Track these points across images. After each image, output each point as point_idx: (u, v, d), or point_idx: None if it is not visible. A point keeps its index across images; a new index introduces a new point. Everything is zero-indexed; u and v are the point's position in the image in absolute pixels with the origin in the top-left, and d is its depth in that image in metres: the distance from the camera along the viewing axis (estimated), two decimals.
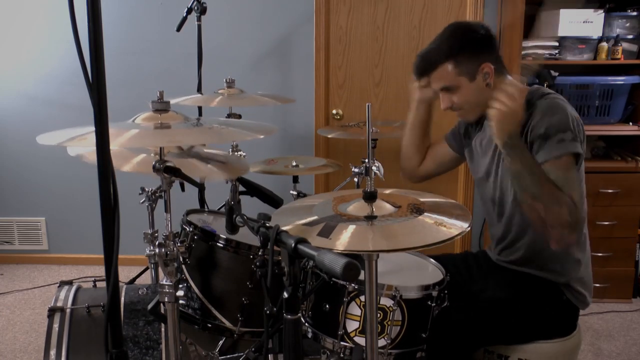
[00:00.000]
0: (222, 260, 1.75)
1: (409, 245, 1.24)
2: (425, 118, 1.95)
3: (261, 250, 1.65)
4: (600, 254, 3.00)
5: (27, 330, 2.83)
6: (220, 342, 1.97)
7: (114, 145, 1.15)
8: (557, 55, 3.05)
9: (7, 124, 3.54)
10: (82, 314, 1.86)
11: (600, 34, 3.00)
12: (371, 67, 3.31)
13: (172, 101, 1.55)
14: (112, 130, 1.05)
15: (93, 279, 2.19)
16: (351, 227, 1.26)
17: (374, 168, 1.38)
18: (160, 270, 1.48)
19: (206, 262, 1.76)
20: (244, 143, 2.44)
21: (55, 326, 1.82)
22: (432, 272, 1.71)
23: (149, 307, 1.55)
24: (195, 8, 2.83)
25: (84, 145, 1.24)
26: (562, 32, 2.97)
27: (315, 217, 1.35)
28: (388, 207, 1.37)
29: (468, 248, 3.41)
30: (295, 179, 2.40)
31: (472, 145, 1.86)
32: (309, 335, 1.64)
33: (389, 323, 1.52)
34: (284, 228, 1.16)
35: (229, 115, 2.64)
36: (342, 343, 1.56)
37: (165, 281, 1.46)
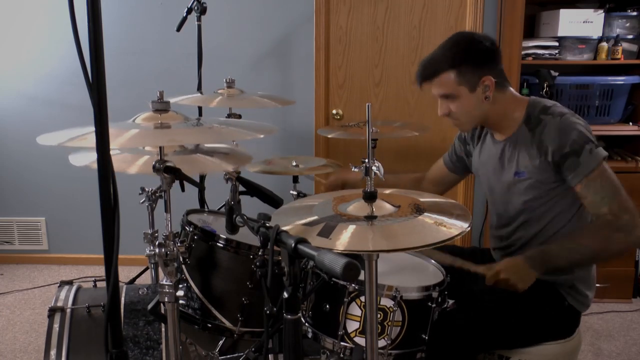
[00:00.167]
0: (222, 260, 1.75)
1: (409, 245, 1.24)
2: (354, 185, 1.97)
3: (261, 250, 1.65)
4: None
5: (27, 330, 2.83)
6: (220, 342, 1.97)
7: (114, 145, 1.15)
8: (557, 55, 3.06)
9: (7, 124, 3.54)
10: (82, 314, 1.86)
11: (600, 34, 3.01)
12: (371, 67, 3.31)
13: (172, 101, 1.55)
14: (112, 130, 1.05)
15: (93, 279, 2.19)
16: (351, 227, 1.26)
17: (374, 168, 1.37)
18: (160, 270, 1.48)
19: (206, 262, 1.76)
20: (244, 143, 2.44)
21: (56, 326, 1.81)
22: (433, 273, 1.71)
23: (149, 307, 1.55)
24: (195, 8, 2.83)
25: (84, 145, 1.24)
26: (562, 32, 2.97)
27: (315, 217, 1.35)
28: (388, 207, 1.37)
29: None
30: (295, 179, 2.40)
31: (474, 161, 1.88)
32: (309, 335, 1.64)
33: (389, 323, 1.52)
34: (284, 228, 1.16)
35: (229, 115, 2.64)
36: (342, 343, 1.56)
37: (165, 281, 1.46)
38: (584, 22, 2.97)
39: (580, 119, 1.61)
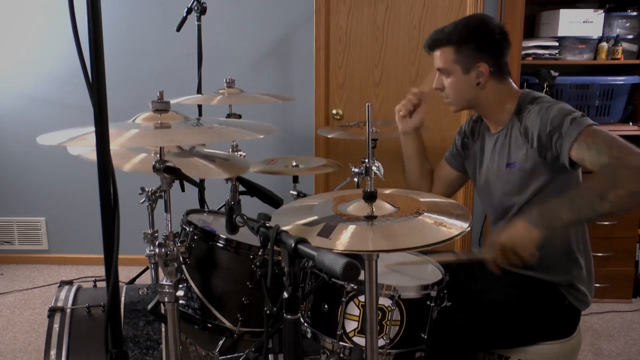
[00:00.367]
0: (222, 260, 1.75)
1: (409, 245, 1.24)
2: (416, 146, 1.95)
3: (261, 250, 1.65)
4: (600, 254, 3.00)
5: (27, 330, 2.83)
6: (220, 342, 1.97)
7: (114, 145, 1.15)
8: (557, 55, 3.06)
9: (7, 124, 3.55)
10: (82, 314, 1.86)
11: (600, 34, 3.01)
12: (371, 67, 3.31)
13: (172, 101, 1.55)
14: (112, 130, 1.05)
15: (93, 279, 2.18)
16: (351, 227, 1.26)
17: (374, 168, 1.37)
18: (160, 270, 1.48)
19: (206, 262, 1.76)
20: (244, 143, 2.44)
21: (56, 326, 1.81)
22: (431, 272, 1.71)
23: (149, 307, 1.55)
24: (195, 8, 2.83)
25: (84, 145, 1.24)
26: (562, 32, 2.97)
27: (315, 217, 1.34)
28: (388, 207, 1.37)
29: (468, 248, 3.40)
30: (295, 179, 2.40)
31: (471, 154, 1.87)
32: (308, 335, 1.64)
33: (388, 323, 1.52)
34: (284, 228, 1.16)
35: (229, 115, 2.64)
36: (341, 343, 1.56)
37: (165, 281, 1.46)
38: (584, 22, 2.97)
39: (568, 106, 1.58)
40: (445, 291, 1.59)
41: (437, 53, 1.68)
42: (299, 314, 1.10)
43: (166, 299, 1.46)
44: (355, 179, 2.14)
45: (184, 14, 2.87)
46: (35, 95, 3.48)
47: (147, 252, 1.68)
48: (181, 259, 1.55)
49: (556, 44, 3.04)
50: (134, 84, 3.34)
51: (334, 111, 3.36)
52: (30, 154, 3.53)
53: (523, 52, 3.00)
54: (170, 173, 1.40)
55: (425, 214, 1.33)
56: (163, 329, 1.82)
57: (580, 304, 1.71)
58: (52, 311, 1.86)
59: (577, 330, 1.72)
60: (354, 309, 1.55)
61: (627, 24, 3.06)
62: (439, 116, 3.29)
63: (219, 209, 2.49)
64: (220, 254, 1.75)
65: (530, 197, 1.65)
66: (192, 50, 2.92)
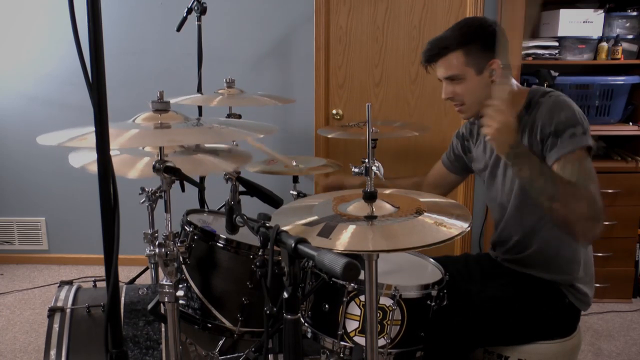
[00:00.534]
0: (222, 260, 1.75)
1: (409, 245, 1.24)
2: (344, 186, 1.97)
3: (261, 250, 1.65)
4: (600, 254, 3.00)
5: (27, 330, 2.83)
6: (220, 342, 1.97)
7: (114, 146, 1.15)
8: (557, 55, 3.06)
9: (7, 124, 3.55)
10: (82, 314, 1.86)
11: (600, 34, 3.01)
12: (371, 67, 3.31)
13: (172, 101, 1.55)
14: (112, 130, 1.05)
15: (93, 279, 2.18)
16: (351, 227, 1.26)
17: (374, 168, 1.37)
18: (160, 270, 1.48)
19: (206, 262, 1.76)
20: (244, 143, 2.44)
21: (56, 326, 1.81)
22: (432, 272, 1.71)
23: (149, 307, 1.55)
24: (195, 8, 2.83)
25: (84, 146, 1.24)
26: (562, 32, 2.97)
27: (315, 217, 1.35)
28: (388, 207, 1.37)
29: (468, 249, 3.41)
30: (295, 179, 2.40)
31: (474, 156, 1.87)
32: (309, 335, 1.64)
33: (389, 322, 1.52)
34: (284, 228, 1.16)
35: (229, 115, 2.64)
36: (341, 343, 1.56)
37: (165, 281, 1.46)
38: (584, 22, 2.97)
39: (577, 106, 1.58)
40: (445, 290, 1.60)
41: (443, 62, 1.64)
42: (299, 314, 1.11)
43: (166, 299, 1.46)
44: None
45: (184, 14, 2.87)
46: (35, 95, 3.48)
47: (147, 252, 1.68)
48: (181, 259, 1.55)
49: (556, 44, 3.04)
50: (134, 84, 3.34)
51: (334, 111, 3.36)
52: (30, 154, 3.53)
53: (523, 52, 3.00)
54: (170, 173, 1.40)
55: (425, 214, 1.33)
56: (163, 329, 1.82)
57: (581, 304, 1.71)
58: (52, 311, 1.86)
59: (577, 330, 1.72)
60: (355, 309, 1.55)
61: (627, 24, 3.06)
62: (439, 116, 3.29)
63: (219, 209, 2.49)
64: (220, 254, 1.75)
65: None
66: (192, 50, 2.92)
